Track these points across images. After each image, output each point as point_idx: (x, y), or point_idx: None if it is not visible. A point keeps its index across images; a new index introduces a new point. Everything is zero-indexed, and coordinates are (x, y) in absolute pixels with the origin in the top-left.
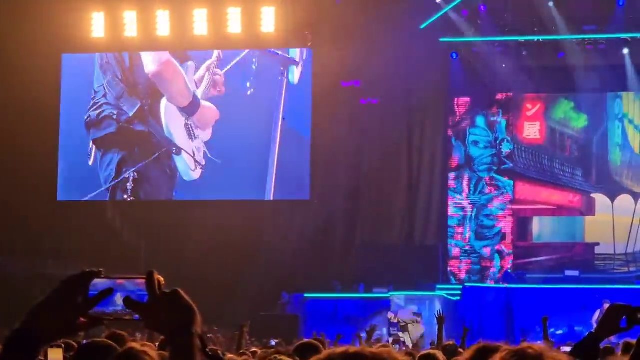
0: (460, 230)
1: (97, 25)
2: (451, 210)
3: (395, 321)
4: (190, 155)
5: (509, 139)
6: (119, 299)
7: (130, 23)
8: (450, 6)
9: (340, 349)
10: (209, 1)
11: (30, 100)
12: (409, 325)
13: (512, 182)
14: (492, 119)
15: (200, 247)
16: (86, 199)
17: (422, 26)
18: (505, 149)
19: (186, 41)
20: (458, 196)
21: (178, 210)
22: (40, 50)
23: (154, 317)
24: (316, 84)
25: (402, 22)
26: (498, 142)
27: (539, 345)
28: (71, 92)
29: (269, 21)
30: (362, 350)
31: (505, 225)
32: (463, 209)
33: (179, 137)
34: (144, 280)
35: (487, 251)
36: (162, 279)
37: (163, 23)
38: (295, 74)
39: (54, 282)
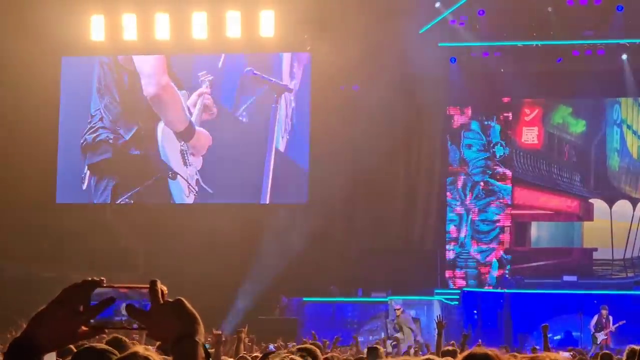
0: (456, 234)
1: (96, 28)
2: (448, 215)
3: (399, 313)
4: (185, 180)
5: (503, 143)
6: (122, 308)
7: (130, 26)
8: (449, 11)
9: None
10: (209, 5)
11: (30, 102)
12: (404, 327)
13: (508, 187)
14: (486, 123)
15: (199, 251)
16: (85, 201)
17: (421, 31)
18: (499, 152)
19: (185, 45)
20: (455, 201)
21: (177, 214)
22: (40, 53)
23: (158, 326)
24: (314, 89)
25: (402, 27)
26: (491, 145)
27: (553, 354)
28: (71, 94)
29: (268, 25)
30: None
31: (502, 229)
32: (459, 213)
33: (174, 161)
34: (146, 290)
35: (484, 255)
36: (164, 288)
37: (162, 26)
38: (289, 100)
39: (52, 286)
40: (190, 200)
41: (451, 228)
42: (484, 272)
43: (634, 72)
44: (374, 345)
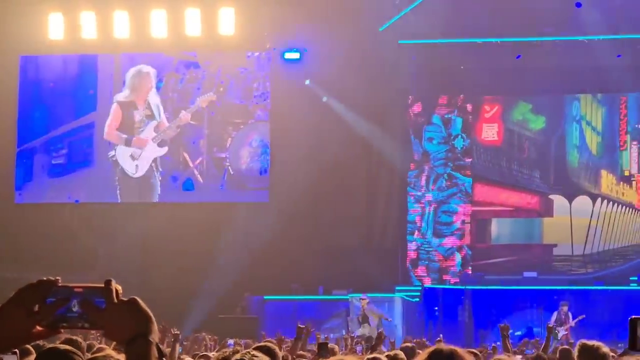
0: (418, 227)
1: (54, 26)
2: (410, 207)
3: (364, 304)
4: (143, 179)
5: (464, 135)
6: (76, 307)
7: (89, 24)
8: (409, 8)
9: None
10: (167, 3)
11: None
12: (373, 316)
13: (470, 180)
14: (447, 116)
15: (159, 250)
16: (44, 201)
17: (382, 28)
18: (458, 145)
19: (144, 43)
20: (417, 192)
21: (136, 213)
22: None
23: (112, 325)
24: (275, 88)
25: (362, 25)
26: (452, 138)
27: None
28: (28, 93)
29: (228, 23)
30: None
31: (464, 222)
32: (421, 205)
33: (129, 160)
34: (102, 289)
35: (445, 248)
36: (119, 287)
37: (121, 24)
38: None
39: (11, 286)
40: (151, 199)
41: (415, 219)
42: (445, 266)
43: (593, 68)
44: (324, 342)
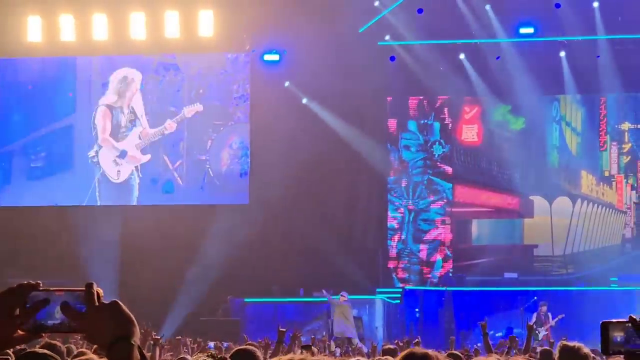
0: (398, 234)
1: (33, 29)
2: (390, 214)
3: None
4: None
5: (442, 142)
6: (57, 312)
7: (67, 27)
8: (389, 9)
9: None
10: (146, 5)
11: None
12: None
13: (450, 185)
14: (423, 122)
15: (139, 253)
16: (23, 204)
17: (361, 30)
18: (437, 151)
19: (123, 45)
20: (397, 199)
21: (116, 216)
22: None
23: (93, 329)
24: (254, 90)
25: (341, 26)
26: (429, 145)
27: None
28: (6, 96)
29: (207, 25)
30: None
31: (444, 229)
32: (401, 213)
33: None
34: (82, 292)
35: (425, 254)
36: (101, 290)
37: (100, 27)
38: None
39: None
40: (130, 201)
41: (394, 225)
42: (427, 270)
43: (572, 69)
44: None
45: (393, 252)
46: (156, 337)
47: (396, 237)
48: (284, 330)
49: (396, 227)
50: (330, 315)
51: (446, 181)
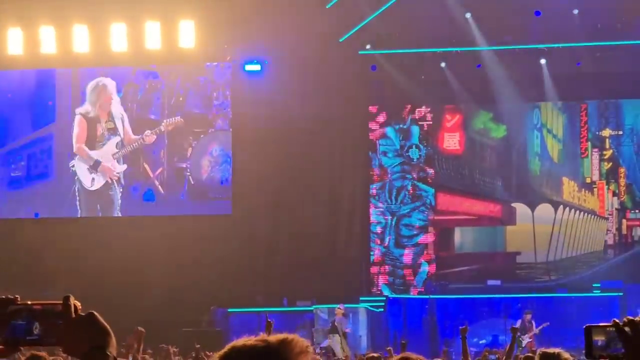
0: (380, 240)
1: (13, 41)
2: (373, 218)
3: (340, 314)
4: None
5: (420, 145)
6: (36, 327)
7: (48, 39)
8: (370, 19)
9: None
10: (127, 16)
11: None
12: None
13: (432, 190)
14: (399, 126)
15: (123, 264)
16: (2, 215)
17: (342, 39)
18: (414, 155)
19: (105, 57)
20: (380, 204)
21: (97, 227)
22: None
23: (70, 340)
24: (236, 98)
25: (322, 35)
26: (405, 150)
27: None
28: None
29: (188, 36)
30: None
31: (426, 235)
32: (384, 218)
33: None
34: (60, 305)
35: (408, 260)
36: (78, 303)
37: (81, 39)
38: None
39: None
40: (111, 211)
41: (377, 229)
42: (408, 277)
43: (553, 76)
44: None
45: (376, 260)
46: (141, 329)
47: (379, 242)
48: (272, 321)
49: (379, 232)
50: (315, 324)
51: (428, 185)
